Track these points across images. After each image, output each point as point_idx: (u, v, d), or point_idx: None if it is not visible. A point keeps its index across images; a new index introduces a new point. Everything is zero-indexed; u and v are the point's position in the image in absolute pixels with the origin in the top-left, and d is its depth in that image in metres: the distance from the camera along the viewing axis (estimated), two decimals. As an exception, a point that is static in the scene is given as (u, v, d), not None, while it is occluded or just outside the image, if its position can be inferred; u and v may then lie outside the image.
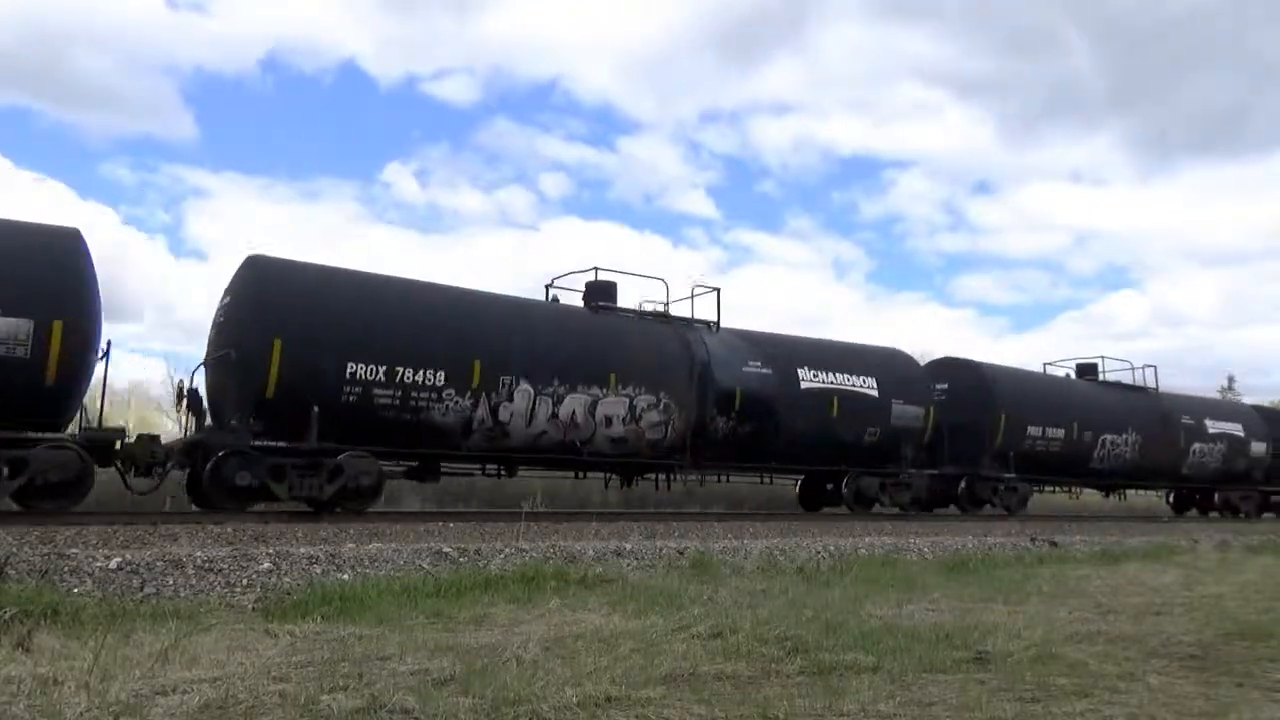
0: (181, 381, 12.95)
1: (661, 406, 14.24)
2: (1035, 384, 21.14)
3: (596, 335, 14.27)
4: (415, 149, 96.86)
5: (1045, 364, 22.96)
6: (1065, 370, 23.12)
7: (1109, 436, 21.15)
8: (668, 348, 14.82)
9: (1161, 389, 23.83)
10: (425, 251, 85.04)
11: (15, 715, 3.20)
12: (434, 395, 12.27)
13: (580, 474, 15.24)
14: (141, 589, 6.16)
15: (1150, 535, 14.94)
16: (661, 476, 15.01)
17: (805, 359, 16.31)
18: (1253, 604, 7.16)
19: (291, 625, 5.31)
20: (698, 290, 16.19)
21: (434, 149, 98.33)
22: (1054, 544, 12.34)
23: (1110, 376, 23.06)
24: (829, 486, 17.31)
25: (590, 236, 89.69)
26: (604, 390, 13.67)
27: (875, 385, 16.86)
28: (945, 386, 19.30)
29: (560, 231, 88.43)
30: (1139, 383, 23.22)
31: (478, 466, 13.91)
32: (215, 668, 4.07)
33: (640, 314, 15.37)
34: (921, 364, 20.00)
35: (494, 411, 12.75)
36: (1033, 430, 19.53)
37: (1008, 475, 18.95)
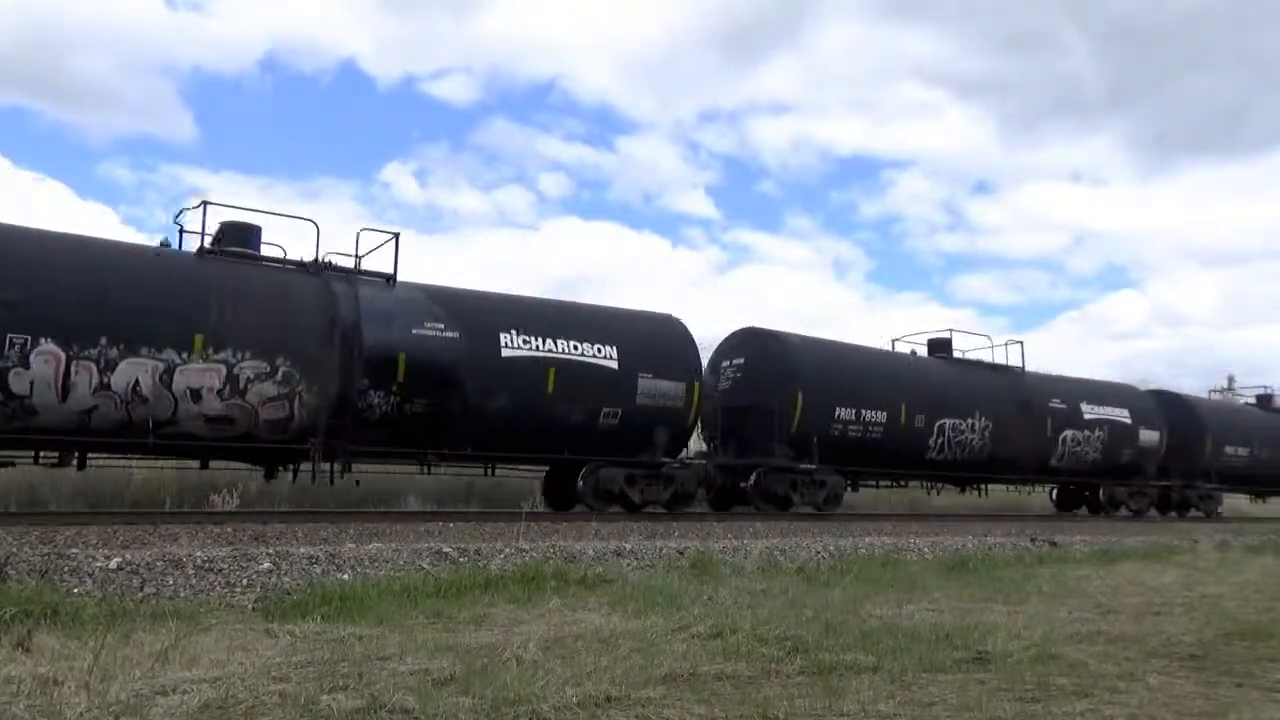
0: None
1: (280, 376, 11.17)
2: (849, 358, 17.64)
3: (186, 285, 11.11)
4: (414, 149, 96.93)
5: (894, 340, 19.93)
6: (913, 346, 19.88)
7: (950, 422, 17.85)
8: (295, 301, 11.70)
9: (1046, 372, 21.33)
10: (425, 251, 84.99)
11: (15, 715, 3.20)
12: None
13: (204, 463, 12.64)
14: (141, 589, 6.16)
15: (1149, 535, 14.94)
16: (309, 466, 11.89)
17: (512, 320, 13.03)
18: (1253, 604, 7.16)
19: (291, 625, 5.31)
20: (368, 235, 12.92)
21: (433, 149, 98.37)
22: (1054, 544, 12.36)
23: (978, 355, 20.08)
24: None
25: (589, 236, 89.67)
26: (184, 355, 10.67)
27: (615, 356, 13.64)
28: (741, 361, 16.72)
29: (560, 231, 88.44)
30: (1003, 362, 20.01)
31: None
32: (215, 668, 4.07)
33: (259, 259, 12.08)
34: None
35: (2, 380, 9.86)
36: (843, 412, 16.30)
37: (804, 466, 15.69)
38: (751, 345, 16.84)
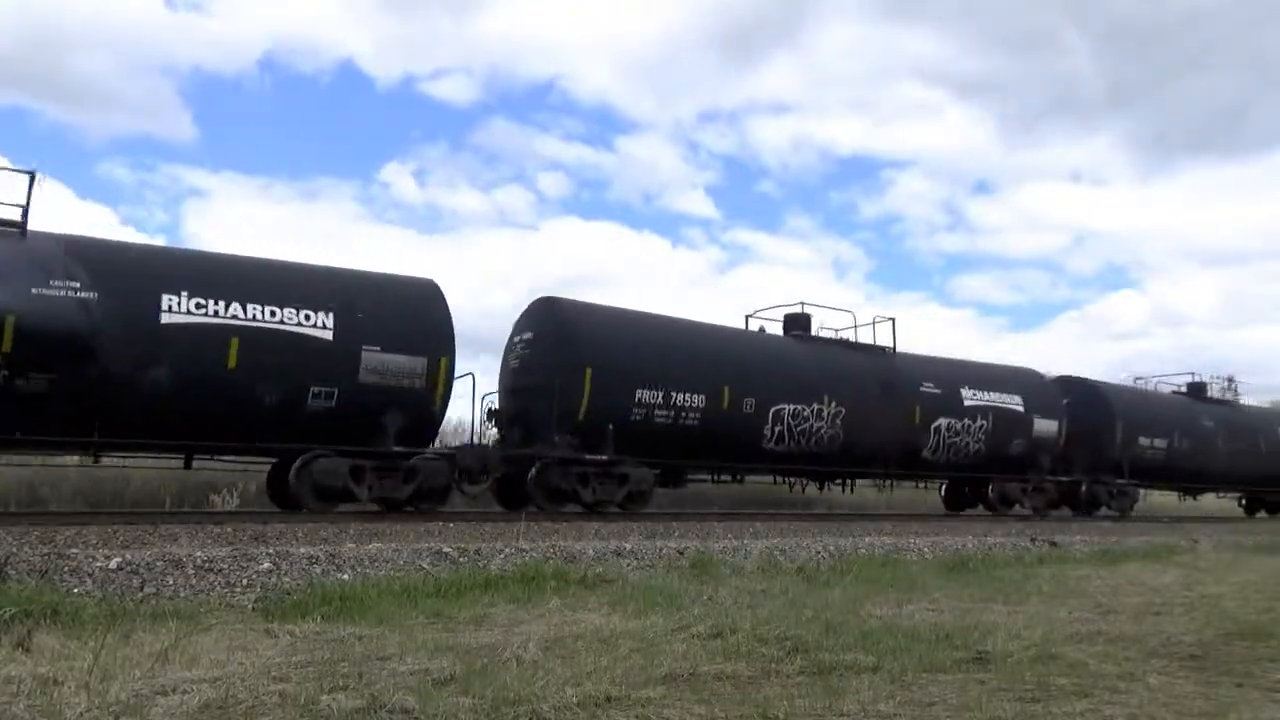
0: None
1: None
2: (655, 332, 14.76)
3: None
4: (414, 149, 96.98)
5: (747, 315, 17.59)
6: (761, 324, 17.52)
7: (790, 407, 15.42)
8: None
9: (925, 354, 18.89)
10: (425, 252, 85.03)
11: (15, 715, 3.20)
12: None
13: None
14: (141, 589, 6.16)
15: (1150, 535, 14.94)
16: None
17: (181, 281, 10.81)
18: (1253, 604, 7.16)
19: (291, 625, 5.31)
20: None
21: (432, 149, 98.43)
22: (1054, 544, 12.36)
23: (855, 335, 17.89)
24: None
25: (589, 236, 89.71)
26: None
27: (332, 326, 11.47)
28: (529, 336, 14.39)
29: (560, 231, 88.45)
30: (872, 342, 17.75)
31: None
32: (215, 668, 4.07)
33: None
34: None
35: None
36: (645, 396, 13.82)
37: (595, 457, 13.43)
38: (540, 316, 14.44)
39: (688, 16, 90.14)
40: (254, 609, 6.00)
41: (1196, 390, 24.86)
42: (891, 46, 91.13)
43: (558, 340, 13.81)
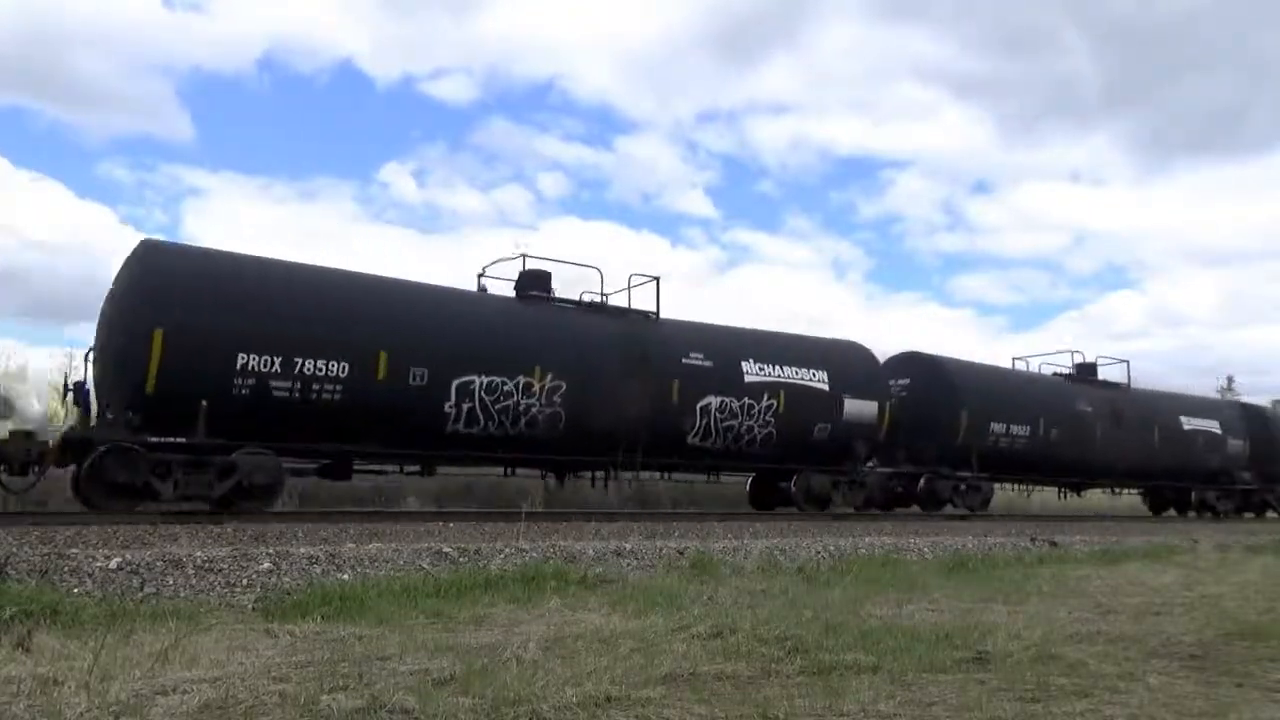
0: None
1: None
2: (276, 284, 11.64)
3: None
4: (413, 149, 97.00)
5: (479, 276, 14.28)
6: (484, 283, 14.18)
7: (482, 380, 12.35)
8: None
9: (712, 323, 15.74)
10: (425, 251, 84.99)
11: (15, 715, 3.20)
12: None
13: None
14: (141, 589, 6.16)
15: (1150, 535, 14.95)
16: None
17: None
18: (1253, 604, 7.16)
19: (291, 625, 5.32)
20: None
21: (431, 149, 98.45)
22: (1054, 544, 12.36)
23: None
24: None
25: (589, 236, 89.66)
26: None
27: None
28: (112, 289, 11.44)
29: (560, 231, 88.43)
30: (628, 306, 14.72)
31: None
32: (215, 668, 4.07)
33: None
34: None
35: None
36: (253, 362, 10.88)
37: (177, 439, 10.65)
38: (128, 264, 11.54)
39: (687, 16, 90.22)
40: (254, 609, 6.00)
41: (1086, 371, 21.62)
42: (890, 46, 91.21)
43: (126, 291, 11.03)
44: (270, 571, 6.76)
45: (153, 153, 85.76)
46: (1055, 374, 21.66)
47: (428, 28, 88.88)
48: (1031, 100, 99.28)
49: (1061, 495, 22.01)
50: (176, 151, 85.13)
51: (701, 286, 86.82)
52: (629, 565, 8.36)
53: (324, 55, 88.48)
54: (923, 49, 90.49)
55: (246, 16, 78.31)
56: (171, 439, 10.67)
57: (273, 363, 11.08)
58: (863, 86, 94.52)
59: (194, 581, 6.44)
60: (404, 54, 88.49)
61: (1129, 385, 22.47)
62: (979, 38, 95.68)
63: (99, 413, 10.99)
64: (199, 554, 6.86)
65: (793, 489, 15.71)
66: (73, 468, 10.89)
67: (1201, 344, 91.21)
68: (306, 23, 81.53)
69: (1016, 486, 21.90)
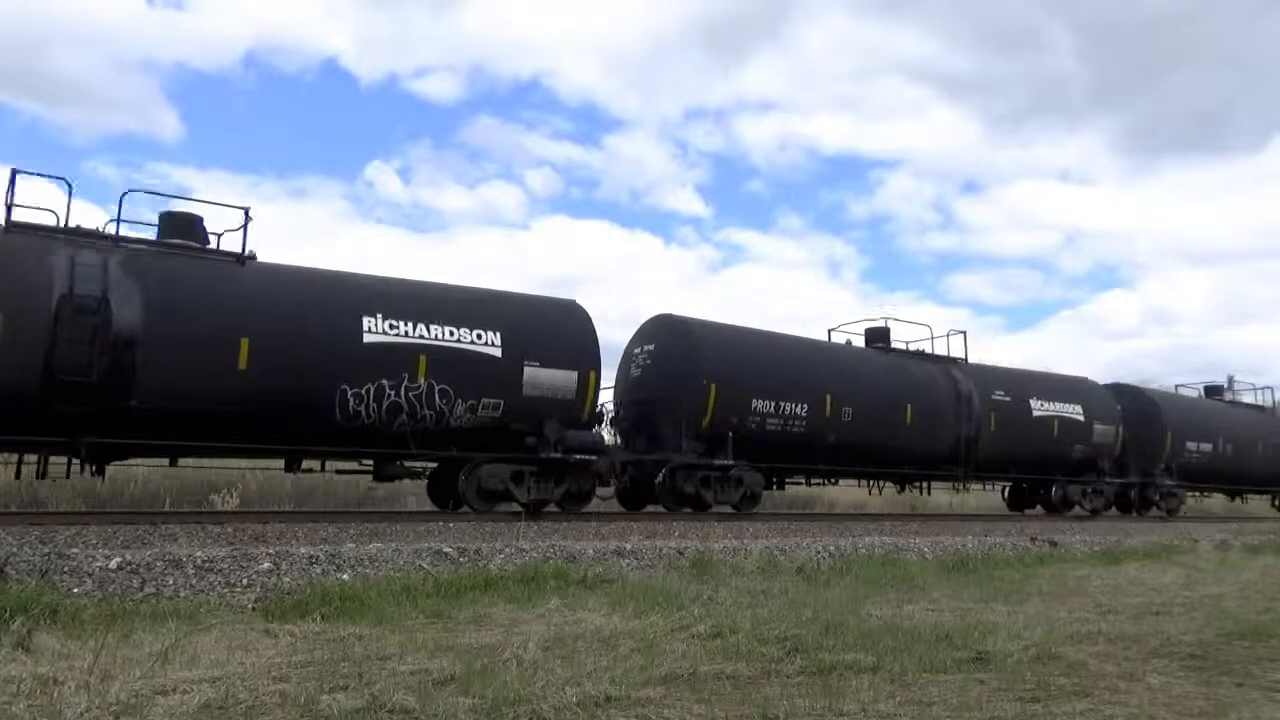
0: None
1: None
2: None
3: None
4: (397, 147, 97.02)
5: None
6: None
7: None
8: None
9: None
10: (416, 251, 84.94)
11: (15, 715, 3.20)
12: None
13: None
14: (141, 589, 6.16)
15: (1150, 535, 14.94)
16: None
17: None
18: (1253, 604, 7.16)
19: (291, 625, 5.31)
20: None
21: (416, 146, 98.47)
22: (1054, 544, 12.35)
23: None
24: None
25: (581, 235, 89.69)
26: None
27: None
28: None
29: (551, 230, 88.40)
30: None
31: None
32: (215, 668, 4.07)
33: None
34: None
35: None
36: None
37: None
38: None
39: (670, 12, 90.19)
40: (254, 609, 6.00)
41: (877, 336, 18.46)
42: (877, 43, 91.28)
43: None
44: (270, 571, 6.76)
45: (140, 151, 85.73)
46: (862, 350, 18.21)
47: (408, 25, 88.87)
48: (1019, 98, 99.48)
49: (872, 489, 18.50)
50: (164, 150, 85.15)
51: (697, 285, 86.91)
52: (629, 565, 8.36)
53: (308, 53, 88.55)
54: (909, 46, 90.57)
55: (229, 14, 78.34)
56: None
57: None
58: (849, 84, 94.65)
59: (194, 581, 6.43)
60: (386, 52, 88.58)
61: (964, 360, 18.98)
62: (965, 35, 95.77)
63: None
64: (199, 554, 6.86)
65: (461, 482, 12.29)
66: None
67: (1194, 343, 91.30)
68: (289, 20, 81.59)
69: (813, 480, 17.46)
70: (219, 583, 6.48)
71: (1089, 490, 20.43)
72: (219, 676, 3.85)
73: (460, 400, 12.05)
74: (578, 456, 12.93)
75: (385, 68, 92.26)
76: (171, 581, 6.37)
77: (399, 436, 11.72)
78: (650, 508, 15.04)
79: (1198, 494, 24.59)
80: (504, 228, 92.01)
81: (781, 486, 17.41)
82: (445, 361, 11.93)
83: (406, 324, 11.80)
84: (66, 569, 6.23)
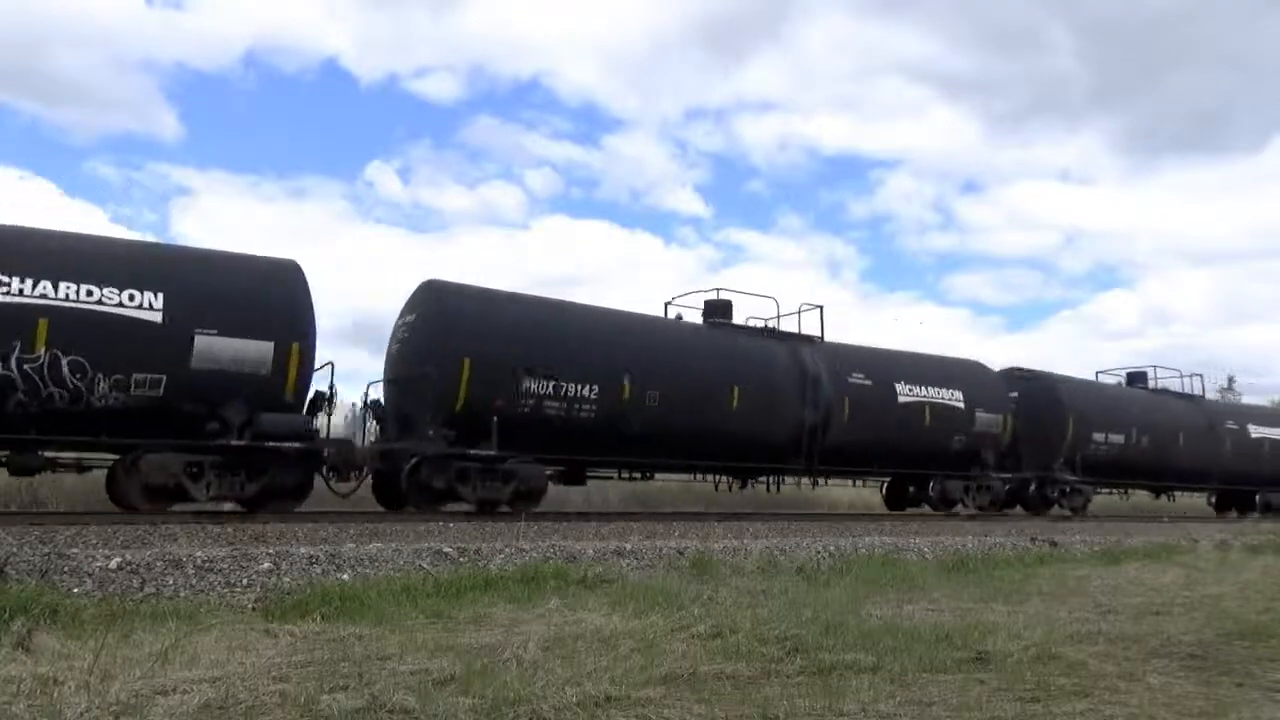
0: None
1: None
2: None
3: None
4: (397, 147, 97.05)
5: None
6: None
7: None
8: None
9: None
10: (416, 250, 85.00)
11: (15, 715, 3.20)
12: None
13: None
14: (141, 589, 6.16)
15: (1151, 535, 14.94)
16: None
17: None
18: (1253, 604, 7.16)
19: (291, 625, 5.32)
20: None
21: (416, 147, 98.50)
22: (1054, 544, 12.36)
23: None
24: None
25: (581, 234, 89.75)
26: None
27: None
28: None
29: (551, 229, 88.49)
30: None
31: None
32: (215, 668, 4.07)
33: None
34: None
35: None
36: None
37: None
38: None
39: (670, 12, 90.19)
40: (254, 609, 6.00)
41: (716, 308, 16.55)
42: (877, 43, 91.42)
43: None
44: (270, 571, 6.76)
45: (140, 151, 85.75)
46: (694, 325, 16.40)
47: (408, 25, 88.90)
48: (1019, 99, 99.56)
49: (722, 485, 16.61)
50: (164, 150, 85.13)
51: (698, 284, 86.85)
52: (629, 565, 8.36)
53: (308, 54, 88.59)
54: (909, 46, 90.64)
55: (228, 14, 78.37)
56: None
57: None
58: (849, 83, 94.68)
59: (194, 581, 6.43)
60: (386, 52, 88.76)
61: (819, 338, 17.10)
62: (965, 35, 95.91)
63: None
64: (199, 554, 6.86)
65: (119, 471, 11.02)
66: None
67: (1194, 342, 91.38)
68: (288, 20, 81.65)
69: (630, 475, 15.67)
70: (219, 583, 6.48)
71: (971, 486, 18.10)
72: (219, 676, 3.85)
73: (102, 375, 10.06)
74: (271, 444, 10.99)
75: (385, 68, 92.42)
76: (171, 581, 6.37)
77: (13, 420, 9.75)
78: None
79: (1113, 491, 22.36)
80: (504, 228, 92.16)
81: (582, 482, 14.99)
82: (77, 327, 9.93)
83: (18, 279, 9.81)
84: (66, 569, 6.23)
